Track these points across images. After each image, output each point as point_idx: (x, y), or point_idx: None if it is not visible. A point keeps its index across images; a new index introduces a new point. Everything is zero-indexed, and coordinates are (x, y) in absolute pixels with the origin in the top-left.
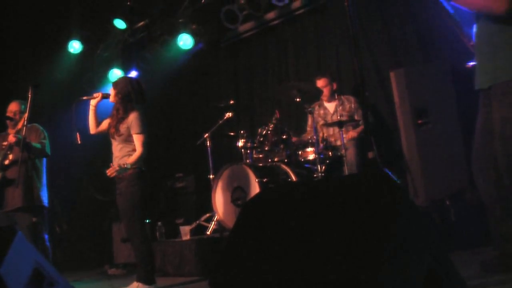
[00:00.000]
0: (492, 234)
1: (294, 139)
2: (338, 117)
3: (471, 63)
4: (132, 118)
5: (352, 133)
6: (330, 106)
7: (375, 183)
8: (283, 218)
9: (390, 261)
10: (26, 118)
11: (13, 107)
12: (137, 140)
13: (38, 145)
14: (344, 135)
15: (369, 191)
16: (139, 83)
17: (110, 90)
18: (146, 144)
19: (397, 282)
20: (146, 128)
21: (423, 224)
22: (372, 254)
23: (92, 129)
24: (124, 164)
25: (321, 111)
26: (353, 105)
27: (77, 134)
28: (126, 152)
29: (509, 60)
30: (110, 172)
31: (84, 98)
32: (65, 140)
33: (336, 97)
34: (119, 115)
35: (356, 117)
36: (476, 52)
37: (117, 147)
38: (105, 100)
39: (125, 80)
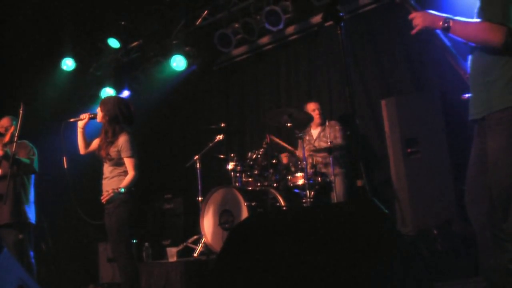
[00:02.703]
0: (481, 264)
1: (285, 159)
2: (321, 143)
3: (467, 95)
4: (122, 141)
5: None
6: (315, 132)
7: (363, 212)
8: (270, 243)
9: None
10: (16, 135)
11: (4, 122)
12: (129, 163)
13: (27, 160)
14: (323, 159)
15: (356, 220)
16: (127, 104)
17: (97, 110)
18: (137, 167)
19: None
20: (136, 150)
21: (409, 254)
22: (357, 282)
23: (82, 150)
24: (117, 189)
25: (307, 137)
26: (335, 131)
27: (64, 158)
28: (117, 173)
29: (504, 90)
30: (104, 198)
31: (72, 120)
32: (54, 157)
33: (327, 123)
34: (108, 138)
35: (339, 141)
36: (471, 83)
37: (108, 169)
38: (94, 120)
39: (113, 101)
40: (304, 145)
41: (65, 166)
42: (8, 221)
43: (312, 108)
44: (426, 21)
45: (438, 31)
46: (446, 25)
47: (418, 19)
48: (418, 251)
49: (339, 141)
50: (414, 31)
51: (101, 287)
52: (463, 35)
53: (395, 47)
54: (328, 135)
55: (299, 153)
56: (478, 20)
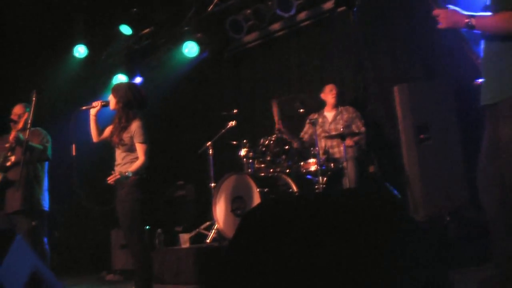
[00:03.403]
0: (493, 251)
1: (295, 144)
2: (337, 127)
3: (479, 81)
4: (135, 127)
5: (348, 142)
6: (329, 115)
7: (375, 197)
8: (282, 230)
9: (387, 277)
10: (29, 122)
11: (17, 110)
12: (140, 149)
13: (40, 146)
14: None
15: (369, 205)
16: (138, 89)
17: (110, 97)
18: (148, 153)
19: None
20: (148, 137)
21: (422, 240)
22: (369, 269)
23: (95, 138)
24: (125, 172)
25: (320, 120)
26: (350, 115)
27: (73, 145)
28: (129, 159)
29: None
30: (110, 179)
31: (84, 108)
32: (67, 144)
33: (340, 108)
34: (122, 123)
35: (353, 128)
36: (483, 69)
37: (120, 155)
38: (106, 107)
39: (125, 86)
40: (317, 127)
41: (73, 153)
42: (20, 208)
43: (330, 88)
44: (450, 22)
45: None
46: (469, 24)
47: (441, 19)
48: (430, 238)
49: (363, 129)
50: (438, 26)
51: (114, 274)
52: (486, 29)
53: (407, 33)
54: (345, 119)
55: (303, 134)
56: (490, 13)
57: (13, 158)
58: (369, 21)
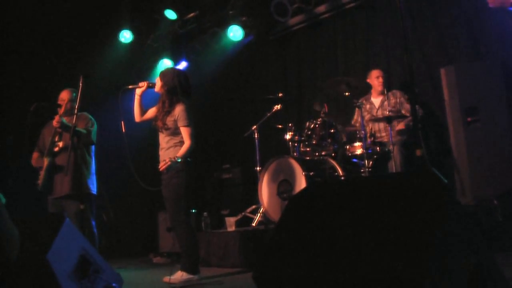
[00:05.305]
0: None
1: (344, 137)
2: (384, 112)
3: None
4: (178, 111)
5: (400, 126)
6: (376, 101)
7: (422, 182)
8: (329, 213)
9: (434, 261)
10: (76, 107)
11: (64, 95)
12: (185, 132)
13: (84, 131)
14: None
15: (416, 190)
16: (186, 77)
17: (156, 80)
18: (193, 136)
19: (441, 281)
20: (193, 120)
21: (469, 224)
22: (417, 253)
23: (137, 117)
24: (174, 158)
25: (367, 106)
26: (398, 100)
27: (122, 122)
28: (173, 143)
29: None
30: (161, 167)
31: (130, 87)
32: (113, 129)
33: (387, 93)
34: (165, 108)
35: (403, 111)
36: None
37: (164, 139)
38: (151, 89)
39: (172, 72)
40: (364, 114)
41: (123, 130)
42: (69, 193)
43: (376, 75)
44: (497, 2)
45: None
46: None
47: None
48: (478, 222)
49: (405, 111)
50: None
51: (161, 256)
52: None
53: (455, 13)
54: (392, 105)
55: (353, 124)
56: None
57: (61, 144)
58: (415, 2)
